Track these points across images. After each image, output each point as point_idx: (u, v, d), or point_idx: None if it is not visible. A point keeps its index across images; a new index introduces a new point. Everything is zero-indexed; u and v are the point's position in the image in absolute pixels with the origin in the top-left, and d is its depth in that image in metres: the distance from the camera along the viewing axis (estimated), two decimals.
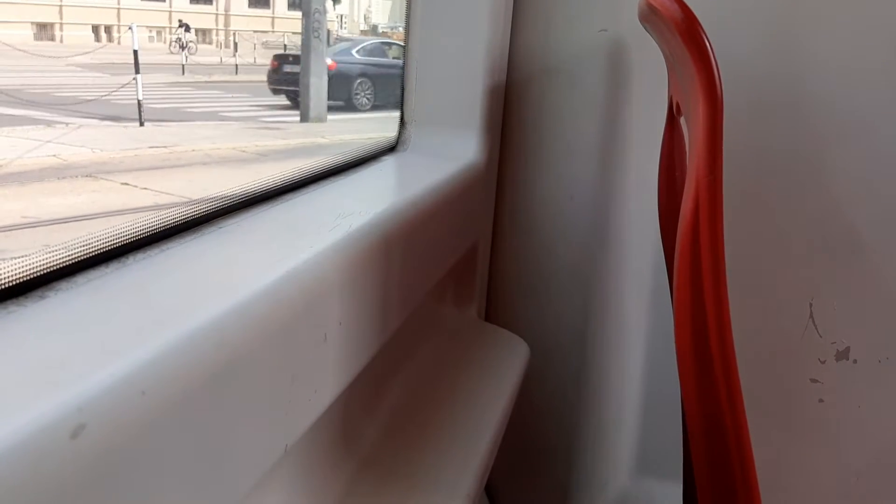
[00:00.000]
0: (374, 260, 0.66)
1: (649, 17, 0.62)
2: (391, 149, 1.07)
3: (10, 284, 0.44)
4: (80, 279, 0.47)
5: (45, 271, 0.46)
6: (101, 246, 0.51)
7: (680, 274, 0.57)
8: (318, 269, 0.55)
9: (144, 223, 0.56)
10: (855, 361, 1.12)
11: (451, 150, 1.06)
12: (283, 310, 0.49)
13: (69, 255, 0.48)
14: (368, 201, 0.78)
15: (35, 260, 0.46)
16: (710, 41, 0.54)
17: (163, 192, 5.98)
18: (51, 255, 0.47)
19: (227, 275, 0.52)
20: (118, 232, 0.54)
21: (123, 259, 0.51)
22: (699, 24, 0.52)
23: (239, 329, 0.44)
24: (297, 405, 0.52)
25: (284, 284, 0.50)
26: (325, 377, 0.57)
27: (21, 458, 0.30)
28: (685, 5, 0.54)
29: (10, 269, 0.45)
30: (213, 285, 0.49)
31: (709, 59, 0.51)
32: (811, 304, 1.11)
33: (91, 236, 0.51)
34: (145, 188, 6.13)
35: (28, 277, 0.44)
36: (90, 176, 6.36)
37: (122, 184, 6.26)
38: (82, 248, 0.50)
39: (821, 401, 1.14)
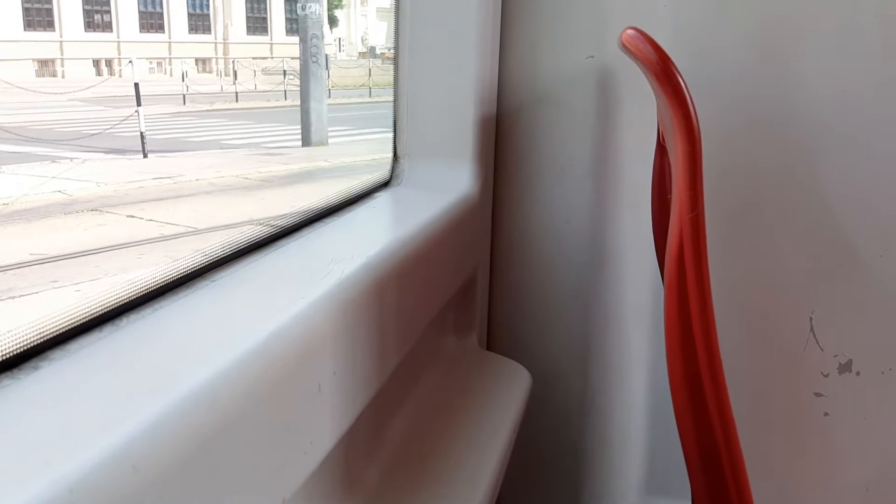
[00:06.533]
0: (369, 304, 0.67)
1: (627, 53, 0.63)
2: (385, 184, 1.08)
3: (5, 357, 0.44)
4: (74, 346, 0.48)
5: (39, 341, 0.47)
6: (95, 310, 0.52)
7: (668, 309, 0.58)
8: (309, 320, 0.56)
9: (138, 284, 0.57)
10: (858, 373, 1.12)
11: (445, 182, 1.07)
12: (275, 366, 0.50)
13: (64, 322, 0.49)
14: (361, 243, 0.79)
15: (32, 325, 0.47)
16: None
17: (168, 223, 6.03)
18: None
19: (218, 333, 0.53)
20: (112, 293, 0.54)
21: (117, 321, 0.52)
22: (673, 66, 0.53)
23: (230, 390, 0.45)
24: (292, 458, 0.53)
25: (276, 340, 0.51)
26: (320, 427, 0.57)
27: None
28: (659, 47, 0.55)
29: (5, 338, 0.45)
30: (204, 346, 0.50)
31: (685, 100, 0.52)
32: (811, 318, 1.12)
33: (85, 302, 0.52)
34: (151, 219, 6.18)
35: (23, 349, 0.45)
36: (96, 210, 6.42)
37: (128, 216, 6.31)
38: (78, 312, 0.51)
39: (826, 414, 1.14)
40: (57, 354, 0.46)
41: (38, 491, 0.32)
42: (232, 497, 0.45)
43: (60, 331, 0.48)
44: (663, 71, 0.53)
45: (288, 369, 0.52)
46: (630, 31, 0.58)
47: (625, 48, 0.59)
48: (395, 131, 1.11)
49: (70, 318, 0.50)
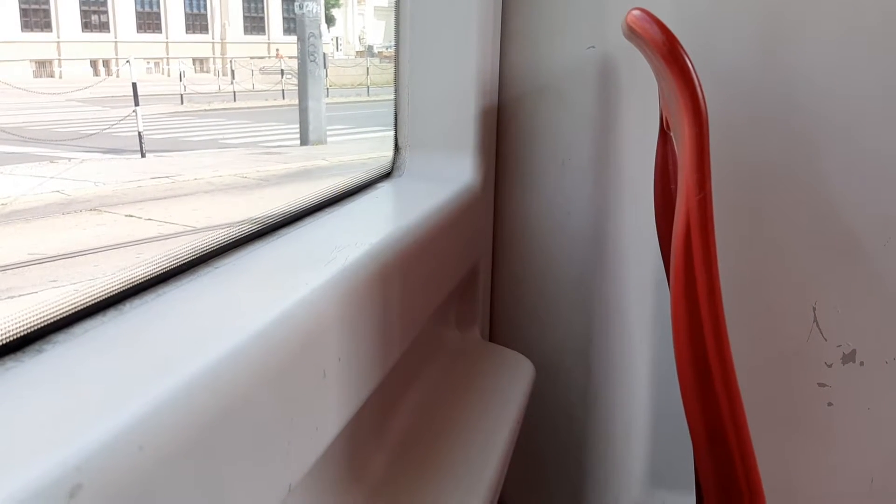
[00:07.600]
0: (372, 291, 0.66)
1: (631, 37, 0.62)
2: (387, 175, 1.07)
3: (8, 340, 0.44)
4: (77, 330, 0.47)
5: (42, 324, 0.46)
6: (98, 294, 0.51)
7: (675, 291, 0.57)
8: (314, 306, 0.55)
9: (141, 268, 0.56)
10: (862, 364, 1.11)
11: (446, 173, 1.07)
12: (281, 351, 0.50)
13: (67, 306, 0.49)
14: (364, 231, 0.78)
15: (35, 309, 0.47)
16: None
17: (167, 222, 6.03)
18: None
19: (222, 318, 0.52)
20: (116, 279, 0.54)
21: (120, 306, 0.52)
22: (680, 46, 0.53)
23: (235, 374, 0.44)
24: (298, 444, 0.52)
25: (280, 325, 0.50)
26: (326, 413, 0.57)
27: None
28: (665, 27, 0.54)
29: (8, 322, 0.45)
30: (208, 330, 0.50)
31: (692, 80, 0.52)
32: (815, 308, 1.11)
33: (89, 285, 0.51)
34: (149, 219, 6.18)
35: (26, 332, 0.45)
36: (94, 210, 6.42)
37: (127, 216, 6.31)
38: (81, 297, 0.50)
39: (830, 404, 1.14)
40: (61, 338, 0.46)
41: (45, 469, 0.32)
42: (239, 480, 0.45)
43: (64, 314, 0.48)
44: (669, 51, 0.52)
45: (293, 354, 0.51)
46: (636, 12, 0.58)
47: (629, 30, 0.59)
48: (396, 122, 1.10)
49: (74, 302, 0.49)
